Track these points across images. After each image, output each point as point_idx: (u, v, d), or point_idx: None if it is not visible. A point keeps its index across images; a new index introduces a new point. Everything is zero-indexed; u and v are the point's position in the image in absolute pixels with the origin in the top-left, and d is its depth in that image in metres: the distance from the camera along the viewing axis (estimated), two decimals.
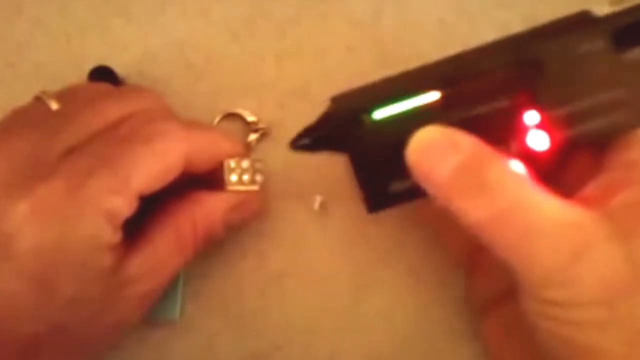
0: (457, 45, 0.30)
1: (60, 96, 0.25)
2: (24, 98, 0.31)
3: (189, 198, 0.26)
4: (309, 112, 0.30)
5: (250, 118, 0.30)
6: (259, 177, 0.28)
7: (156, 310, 0.28)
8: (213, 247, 0.30)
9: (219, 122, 0.31)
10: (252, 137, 0.30)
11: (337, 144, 0.24)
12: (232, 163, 0.27)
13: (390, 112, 0.23)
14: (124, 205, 0.23)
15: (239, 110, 0.30)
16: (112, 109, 0.25)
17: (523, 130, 0.23)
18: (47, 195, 0.22)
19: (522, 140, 0.23)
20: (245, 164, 0.27)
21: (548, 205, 0.21)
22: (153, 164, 0.24)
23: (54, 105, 0.25)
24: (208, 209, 0.26)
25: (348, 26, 0.31)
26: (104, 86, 0.28)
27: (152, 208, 0.25)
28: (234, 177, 0.27)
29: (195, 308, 0.29)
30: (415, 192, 0.23)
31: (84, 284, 0.23)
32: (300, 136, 0.24)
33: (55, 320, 0.23)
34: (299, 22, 0.31)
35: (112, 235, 0.23)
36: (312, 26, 0.31)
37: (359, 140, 0.23)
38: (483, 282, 0.27)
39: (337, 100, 0.24)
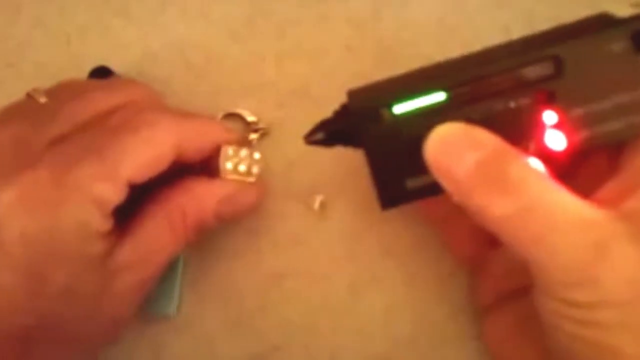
0: (457, 45, 0.30)
1: (49, 91, 0.26)
2: None
3: (180, 186, 0.26)
4: (309, 112, 0.30)
5: (250, 118, 0.30)
6: (255, 169, 0.27)
7: (153, 305, 0.29)
8: (213, 247, 0.30)
9: (219, 121, 0.31)
10: (252, 137, 0.30)
11: (354, 139, 0.24)
12: (230, 150, 0.27)
13: (410, 107, 0.23)
14: (113, 193, 0.23)
15: (239, 110, 0.30)
16: (101, 100, 0.25)
17: (541, 129, 0.23)
18: (33, 183, 0.22)
19: (539, 140, 0.23)
20: (243, 153, 0.27)
21: (569, 203, 0.21)
22: (142, 153, 0.24)
23: (42, 99, 0.25)
24: (199, 197, 0.26)
25: (348, 26, 0.31)
26: (94, 81, 0.28)
27: (144, 197, 0.25)
28: (229, 165, 0.27)
29: (194, 308, 0.29)
30: (431, 189, 0.23)
31: (75, 274, 0.23)
32: (316, 130, 0.24)
33: (47, 313, 0.22)
34: (299, 22, 0.31)
35: (101, 223, 0.23)
36: (312, 26, 0.31)
37: (377, 136, 0.23)
38: (488, 282, 0.27)
39: (353, 95, 0.24)
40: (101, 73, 0.30)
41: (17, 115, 0.24)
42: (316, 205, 0.30)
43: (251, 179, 0.27)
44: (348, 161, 0.30)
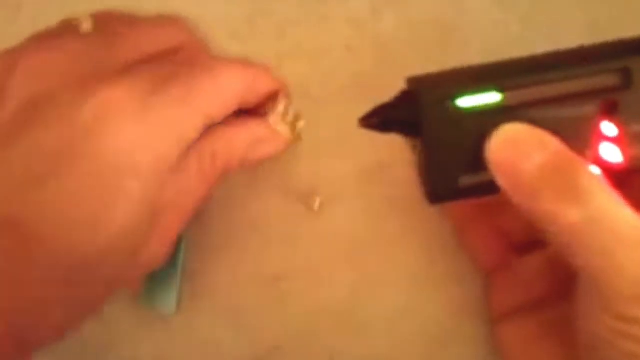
0: (457, 45, 0.30)
1: (95, 18, 0.24)
2: None
3: (212, 129, 0.25)
4: (309, 112, 0.30)
5: None
6: (301, 124, 0.28)
7: (152, 304, 0.29)
8: (213, 247, 0.30)
9: None
10: None
11: (412, 127, 0.23)
12: (283, 103, 0.27)
13: (475, 102, 0.22)
14: (193, 130, 0.22)
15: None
16: (164, 35, 0.24)
17: (598, 140, 0.22)
18: (120, 99, 0.21)
19: (595, 150, 0.22)
20: (292, 110, 0.27)
21: (631, 217, 0.20)
22: (220, 93, 0.23)
23: (87, 25, 0.24)
24: (230, 141, 0.25)
25: (348, 26, 0.31)
26: (144, 17, 0.26)
27: None
28: (281, 109, 0.27)
29: (195, 308, 0.29)
30: (485, 188, 0.23)
31: (143, 205, 0.21)
32: (373, 114, 0.24)
33: (110, 249, 0.21)
34: (299, 22, 0.31)
35: (175, 159, 0.22)
36: (312, 26, 0.31)
37: (438, 127, 0.23)
38: (507, 289, 0.27)
39: (414, 82, 0.23)
40: None
41: (74, 37, 0.23)
42: (316, 206, 0.30)
43: (288, 134, 0.27)
44: (348, 161, 0.30)
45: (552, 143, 0.21)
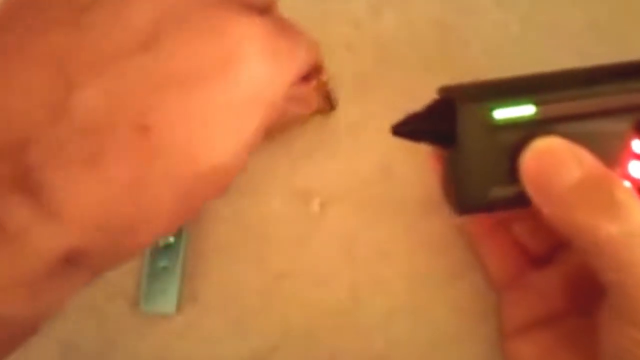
0: (457, 45, 0.30)
1: None
2: None
3: None
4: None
5: None
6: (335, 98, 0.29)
7: (153, 304, 0.29)
8: (213, 247, 0.30)
9: None
10: None
11: (445, 138, 0.23)
12: (326, 75, 0.28)
13: (509, 114, 0.22)
14: (304, 66, 0.24)
15: None
16: None
17: (628, 157, 0.22)
18: (260, 32, 0.22)
19: (624, 167, 0.22)
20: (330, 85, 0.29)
21: None
22: (310, 52, 0.25)
23: None
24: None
25: (348, 26, 0.31)
26: None
27: None
28: (323, 79, 0.28)
29: (195, 308, 0.29)
30: (516, 201, 0.23)
31: (256, 136, 0.22)
32: (406, 122, 0.23)
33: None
34: (299, 22, 0.31)
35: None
36: (312, 26, 0.31)
37: (471, 138, 0.22)
38: (522, 304, 0.27)
39: (448, 92, 0.23)
40: None
41: None
42: (316, 206, 0.30)
43: (327, 103, 0.29)
44: (348, 162, 0.30)
45: (587, 158, 0.21)
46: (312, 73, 0.27)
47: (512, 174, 0.22)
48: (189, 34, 0.21)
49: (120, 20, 0.20)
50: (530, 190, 0.22)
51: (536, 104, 0.22)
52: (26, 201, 0.18)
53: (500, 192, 0.23)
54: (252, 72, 0.21)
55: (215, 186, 0.22)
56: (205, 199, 0.23)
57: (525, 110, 0.22)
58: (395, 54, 0.30)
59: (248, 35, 0.21)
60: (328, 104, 0.30)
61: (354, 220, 0.30)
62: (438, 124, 0.23)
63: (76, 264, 0.20)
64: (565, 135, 0.22)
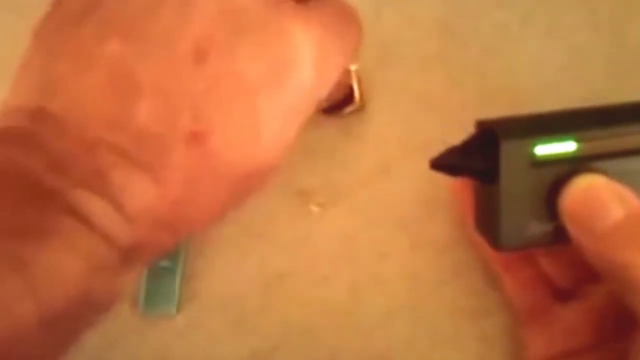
0: (457, 45, 0.30)
1: None
2: None
3: None
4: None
5: None
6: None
7: (153, 305, 0.29)
8: (213, 247, 0.30)
9: None
10: None
11: (485, 173, 0.23)
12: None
13: (550, 150, 0.22)
14: (341, 71, 0.25)
15: None
16: None
17: None
18: (314, 37, 0.22)
19: None
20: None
21: None
22: (358, 42, 0.25)
23: None
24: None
25: None
26: None
27: None
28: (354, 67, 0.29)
29: (195, 308, 0.29)
30: (554, 237, 0.23)
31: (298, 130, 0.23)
32: (445, 157, 0.23)
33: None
34: None
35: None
36: None
37: (513, 175, 0.22)
38: (547, 337, 0.26)
39: (488, 127, 0.23)
40: None
41: None
42: (316, 206, 0.30)
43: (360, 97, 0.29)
44: (348, 161, 0.30)
45: (630, 197, 0.21)
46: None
47: (552, 210, 0.22)
48: (246, 40, 0.21)
49: (180, 27, 0.21)
50: (572, 228, 0.22)
51: (577, 140, 0.22)
52: (102, 198, 0.20)
53: (539, 228, 0.23)
54: (303, 78, 0.22)
55: (260, 181, 0.24)
56: (252, 192, 0.24)
57: (567, 146, 0.22)
58: (396, 53, 0.30)
59: (303, 42, 0.22)
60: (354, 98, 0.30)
61: (354, 220, 0.30)
62: (479, 160, 0.23)
63: (137, 256, 0.21)
64: (606, 172, 0.22)
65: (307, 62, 0.22)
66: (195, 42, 0.21)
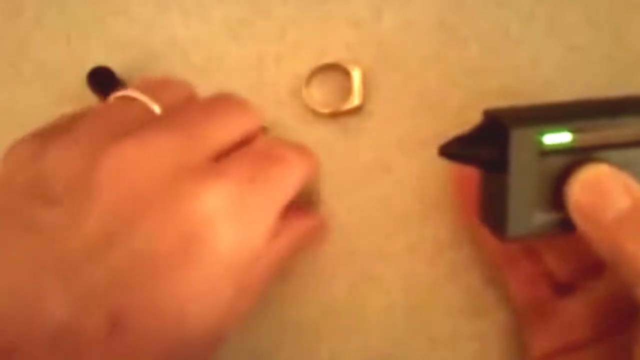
0: (457, 45, 0.30)
1: (155, 98, 0.24)
2: (24, 98, 0.31)
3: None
4: (309, 112, 0.30)
5: None
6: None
7: None
8: None
9: None
10: None
11: (493, 162, 0.23)
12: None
13: (558, 140, 0.22)
14: (277, 217, 0.23)
15: None
16: (239, 124, 0.25)
17: None
18: (223, 199, 0.21)
19: None
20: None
21: None
22: (293, 185, 0.24)
23: (157, 109, 0.24)
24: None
25: (348, 26, 0.31)
26: (205, 101, 0.26)
27: None
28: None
29: None
30: (560, 227, 0.23)
31: (235, 297, 0.22)
32: (453, 145, 0.23)
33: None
34: (299, 22, 0.31)
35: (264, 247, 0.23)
36: (312, 26, 0.31)
37: (522, 164, 0.22)
38: (549, 332, 0.26)
39: (497, 116, 0.23)
40: (101, 73, 0.30)
41: (152, 130, 0.22)
42: (315, 204, 0.30)
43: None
44: (348, 161, 0.30)
45: (637, 188, 0.21)
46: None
47: (559, 200, 0.22)
48: (147, 218, 0.21)
49: (81, 217, 0.20)
50: (577, 218, 0.22)
51: (585, 130, 0.22)
52: None
53: (545, 218, 0.23)
54: (218, 244, 0.21)
55: (198, 356, 0.23)
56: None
57: (574, 136, 0.22)
58: (395, 54, 0.30)
59: (211, 207, 0.21)
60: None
61: (353, 220, 0.30)
62: (488, 148, 0.23)
63: None
64: (614, 162, 0.22)
65: (217, 228, 0.21)
66: (100, 227, 0.20)
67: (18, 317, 0.20)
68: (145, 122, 0.23)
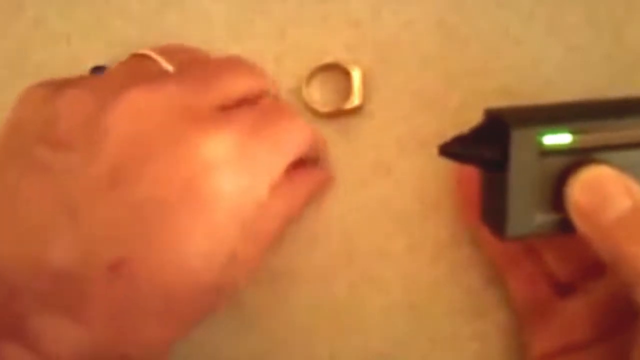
0: (457, 45, 0.30)
1: (171, 58, 0.25)
2: None
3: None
4: (309, 112, 0.30)
5: None
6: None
7: None
8: None
9: None
10: None
11: (494, 161, 0.23)
12: None
13: (558, 140, 0.22)
14: (282, 171, 0.24)
15: None
16: (248, 83, 0.25)
17: None
18: (227, 146, 0.22)
19: None
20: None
21: None
22: (296, 136, 0.25)
23: (171, 69, 0.24)
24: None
25: (348, 26, 0.31)
26: (218, 59, 0.27)
27: None
28: None
29: None
30: (561, 228, 0.23)
31: (240, 241, 0.23)
32: (453, 144, 0.23)
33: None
34: (299, 22, 0.31)
35: (267, 197, 0.23)
36: (312, 26, 0.31)
37: (522, 164, 0.22)
38: (549, 332, 0.26)
39: (497, 115, 0.23)
40: (101, 73, 0.30)
41: (168, 80, 0.23)
42: (315, 206, 0.30)
43: None
44: (348, 161, 0.30)
45: (637, 189, 0.21)
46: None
47: (559, 200, 0.22)
48: (154, 162, 0.21)
49: (90, 159, 0.21)
50: (577, 219, 0.22)
51: (585, 131, 0.22)
52: (20, 346, 0.20)
53: (545, 218, 0.23)
54: (221, 191, 0.21)
55: (204, 305, 0.23)
56: (199, 317, 0.23)
57: (575, 137, 0.22)
58: (395, 54, 0.30)
59: (214, 154, 0.21)
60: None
61: (353, 220, 0.30)
62: (488, 148, 0.23)
63: None
64: (614, 163, 0.22)
65: (219, 173, 0.21)
66: (107, 170, 0.21)
67: (25, 260, 0.20)
68: (157, 77, 0.23)
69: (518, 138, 0.22)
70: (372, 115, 0.30)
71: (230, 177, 0.22)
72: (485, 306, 0.29)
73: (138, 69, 0.24)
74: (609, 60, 0.30)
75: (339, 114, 0.30)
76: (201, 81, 0.24)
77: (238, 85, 0.25)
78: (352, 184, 0.30)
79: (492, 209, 0.24)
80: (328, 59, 0.30)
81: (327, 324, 0.29)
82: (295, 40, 0.31)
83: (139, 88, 0.22)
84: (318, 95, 0.30)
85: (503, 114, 0.23)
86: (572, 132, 0.22)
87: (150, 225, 0.21)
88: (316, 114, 0.30)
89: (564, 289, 0.27)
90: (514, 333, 0.29)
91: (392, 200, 0.30)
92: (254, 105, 0.24)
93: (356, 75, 0.29)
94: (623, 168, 0.22)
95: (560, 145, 0.22)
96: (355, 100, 0.29)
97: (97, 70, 0.30)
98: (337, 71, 0.30)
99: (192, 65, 0.25)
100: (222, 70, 0.25)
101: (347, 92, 0.30)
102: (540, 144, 0.22)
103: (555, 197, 0.22)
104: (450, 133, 0.24)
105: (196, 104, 0.22)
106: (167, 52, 0.26)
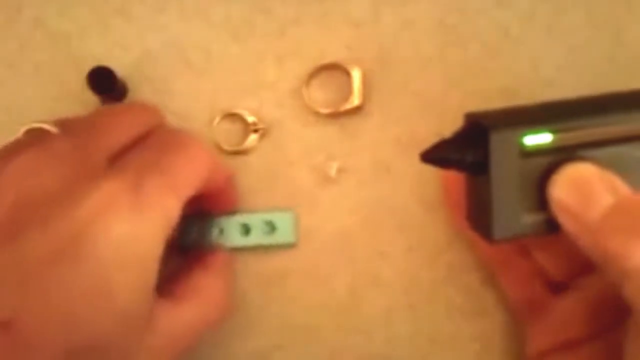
0: (457, 45, 0.30)
1: (60, 123, 0.25)
2: (24, 98, 0.31)
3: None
4: (309, 112, 0.30)
5: (250, 118, 0.30)
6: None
7: None
8: None
9: (219, 122, 0.31)
10: (252, 137, 0.30)
11: (476, 165, 0.23)
12: None
13: (538, 140, 0.22)
14: (177, 207, 0.23)
15: (239, 111, 0.30)
16: (136, 122, 0.26)
17: None
18: (114, 193, 0.22)
19: None
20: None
21: None
22: (191, 169, 0.25)
23: (55, 130, 0.25)
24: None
25: (348, 26, 0.31)
26: (105, 109, 0.28)
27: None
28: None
29: None
30: (547, 228, 0.23)
31: (137, 295, 0.22)
32: (435, 150, 0.23)
33: (107, 332, 0.22)
34: (299, 22, 0.31)
35: (164, 240, 0.23)
36: (312, 26, 0.31)
37: (503, 166, 0.22)
38: (545, 330, 0.26)
39: (477, 119, 0.23)
40: (101, 73, 0.30)
41: (54, 139, 0.24)
42: (314, 205, 0.30)
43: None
44: (347, 160, 0.30)
45: (620, 185, 0.21)
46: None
47: (543, 200, 0.22)
48: (40, 218, 0.21)
49: None
50: (561, 218, 0.22)
51: (566, 130, 0.22)
52: None
53: (531, 218, 0.23)
54: (107, 239, 0.21)
55: (104, 355, 0.22)
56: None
57: (555, 136, 0.22)
58: (396, 54, 0.30)
59: (100, 204, 0.21)
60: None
61: (353, 220, 0.30)
62: (469, 152, 0.23)
63: None
64: (597, 161, 0.22)
65: (108, 218, 0.21)
66: None
67: None
68: (44, 139, 0.24)
69: (498, 140, 0.22)
70: (372, 115, 0.30)
71: (120, 225, 0.22)
72: (485, 306, 0.29)
73: (28, 139, 0.25)
74: (609, 60, 0.30)
75: (339, 114, 0.30)
76: (85, 135, 0.24)
77: (125, 129, 0.25)
78: (352, 184, 0.30)
79: (478, 213, 0.24)
80: (328, 59, 0.30)
81: (327, 323, 0.29)
82: (296, 40, 0.31)
83: (26, 151, 0.23)
84: (318, 95, 0.30)
85: (482, 117, 0.23)
86: (553, 132, 0.22)
87: (34, 280, 0.21)
88: (316, 114, 0.30)
89: (557, 287, 0.27)
90: (514, 333, 0.29)
91: (392, 200, 0.30)
92: (145, 144, 0.25)
93: (356, 76, 0.29)
94: (605, 164, 0.22)
95: (541, 145, 0.22)
96: (355, 100, 0.29)
97: (98, 70, 0.30)
98: (337, 71, 0.30)
99: (77, 123, 0.25)
100: (104, 121, 0.25)
101: (347, 92, 0.30)
102: (522, 144, 0.22)
103: (541, 197, 0.22)
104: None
105: (82, 157, 0.23)
106: (61, 121, 0.26)
